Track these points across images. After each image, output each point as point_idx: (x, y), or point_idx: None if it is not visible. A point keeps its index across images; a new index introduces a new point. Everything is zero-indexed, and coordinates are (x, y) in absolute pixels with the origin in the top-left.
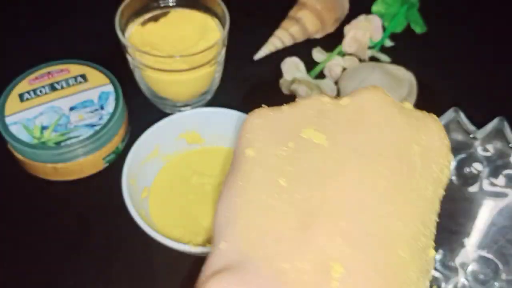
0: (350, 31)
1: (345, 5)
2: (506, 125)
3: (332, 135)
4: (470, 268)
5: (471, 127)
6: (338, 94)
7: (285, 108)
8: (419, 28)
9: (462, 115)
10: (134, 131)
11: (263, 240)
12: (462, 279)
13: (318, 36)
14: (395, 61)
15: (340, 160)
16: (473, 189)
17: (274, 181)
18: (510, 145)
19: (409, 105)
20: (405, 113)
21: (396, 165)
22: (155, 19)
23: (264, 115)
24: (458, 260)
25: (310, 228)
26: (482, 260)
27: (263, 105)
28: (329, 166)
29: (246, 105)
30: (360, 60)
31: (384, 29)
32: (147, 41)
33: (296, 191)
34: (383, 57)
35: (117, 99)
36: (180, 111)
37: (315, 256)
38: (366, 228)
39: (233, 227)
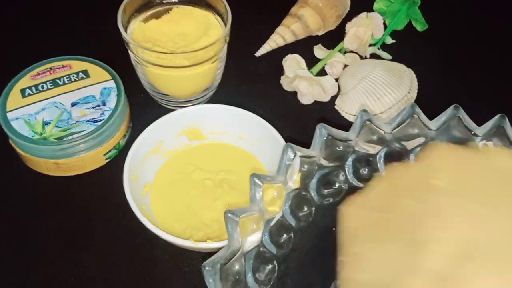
0: (352, 28)
1: (347, 3)
2: (506, 122)
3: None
4: None
5: (471, 124)
6: (339, 91)
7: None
8: (420, 25)
9: (462, 112)
10: (136, 127)
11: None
12: None
13: (320, 33)
14: (396, 58)
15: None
16: None
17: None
18: (511, 142)
19: None
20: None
21: None
22: (157, 15)
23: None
24: None
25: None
26: None
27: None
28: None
29: (247, 102)
30: (361, 57)
31: (385, 26)
32: (149, 37)
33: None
34: (384, 54)
35: (118, 95)
36: (181, 107)
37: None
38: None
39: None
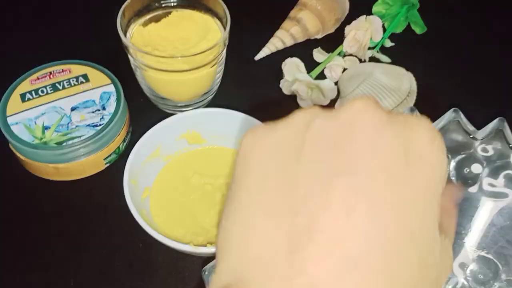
0: (351, 31)
1: (346, 6)
2: (506, 125)
3: (320, 154)
4: (470, 268)
5: (471, 128)
6: (339, 94)
7: (279, 125)
8: (419, 28)
9: (462, 116)
10: (135, 131)
11: (255, 263)
12: (461, 280)
13: (319, 36)
14: (395, 61)
15: (328, 181)
16: (472, 189)
17: (265, 205)
18: (510, 145)
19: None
20: (394, 122)
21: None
22: (156, 19)
23: (258, 135)
24: (457, 261)
25: (298, 251)
26: (482, 260)
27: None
28: (317, 189)
29: (247, 106)
30: (361, 61)
31: (384, 29)
32: (149, 42)
33: (286, 215)
34: (383, 57)
35: (118, 99)
36: (181, 111)
37: (302, 280)
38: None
39: (230, 249)
